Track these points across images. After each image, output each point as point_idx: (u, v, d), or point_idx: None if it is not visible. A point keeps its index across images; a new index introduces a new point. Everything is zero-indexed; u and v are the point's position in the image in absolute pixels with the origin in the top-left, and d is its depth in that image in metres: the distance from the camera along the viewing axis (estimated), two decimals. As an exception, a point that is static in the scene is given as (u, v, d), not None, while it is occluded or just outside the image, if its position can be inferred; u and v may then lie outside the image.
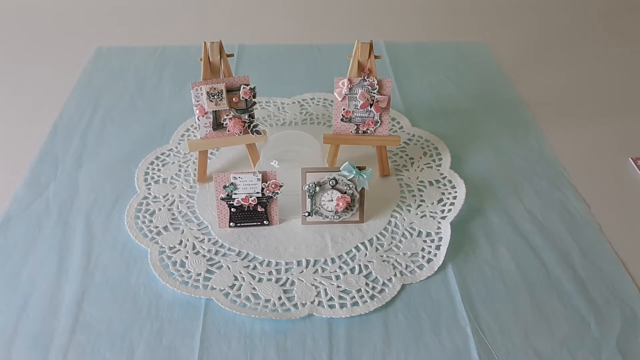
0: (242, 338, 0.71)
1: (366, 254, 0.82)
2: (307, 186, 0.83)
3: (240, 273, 0.79)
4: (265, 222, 0.86)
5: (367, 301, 0.75)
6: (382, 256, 0.82)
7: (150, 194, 0.93)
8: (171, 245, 0.83)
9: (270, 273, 0.79)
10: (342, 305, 0.75)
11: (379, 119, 0.91)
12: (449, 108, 1.18)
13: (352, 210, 0.86)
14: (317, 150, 0.92)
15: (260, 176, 0.82)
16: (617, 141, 1.09)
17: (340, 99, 0.90)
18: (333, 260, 0.81)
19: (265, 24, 1.55)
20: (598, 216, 0.91)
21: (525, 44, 1.45)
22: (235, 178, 0.82)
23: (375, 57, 0.88)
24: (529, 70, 1.33)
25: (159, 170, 0.98)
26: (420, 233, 0.86)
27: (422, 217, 0.89)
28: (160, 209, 0.90)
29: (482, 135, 1.09)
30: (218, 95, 0.87)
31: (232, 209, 0.85)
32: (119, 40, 1.43)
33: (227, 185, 0.83)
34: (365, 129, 0.92)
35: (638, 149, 1.06)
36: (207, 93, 0.86)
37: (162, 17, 1.57)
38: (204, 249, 0.83)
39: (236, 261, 0.81)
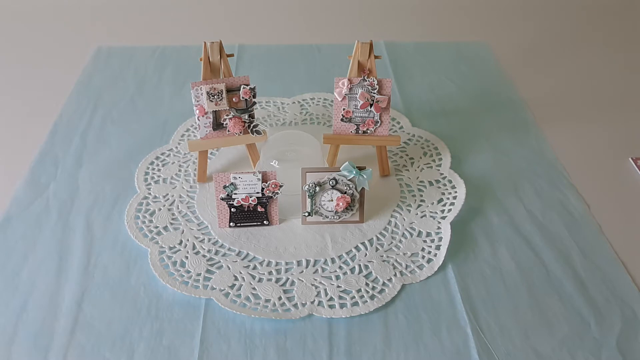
0: (242, 338, 0.71)
1: (366, 254, 0.82)
2: (307, 186, 0.83)
3: (240, 273, 0.79)
4: (265, 222, 0.86)
5: (367, 301, 0.75)
6: (382, 256, 0.82)
7: (150, 194, 0.93)
8: (171, 245, 0.83)
9: (270, 273, 0.79)
10: (342, 305, 0.75)
11: (379, 119, 0.91)
12: (449, 108, 1.18)
13: (352, 210, 0.86)
14: (317, 150, 0.92)
15: (260, 176, 0.82)
16: (617, 141, 1.09)
17: (340, 99, 0.90)
18: (333, 260, 0.81)
19: (265, 24, 1.55)
20: (598, 216, 0.91)
21: (525, 44, 1.45)
22: (235, 178, 0.82)
23: (375, 57, 0.88)
24: (529, 70, 1.33)
25: (159, 170, 0.98)
26: (420, 233, 0.86)
27: (422, 217, 0.89)
28: (160, 209, 0.90)
29: (482, 135, 1.09)
30: (218, 95, 0.87)
31: (232, 209, 0.85)
32: (119, 40, 1.43)
33: (227, 185, 0.83)
34: (365, 129, 0.92)
35: (638, 149, 1.06)
36: (207, 93, 0.86)
37: (162, 17, 1.57)
38: (204, 249, 0.83)
39: (236, 261, 0.81)
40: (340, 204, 0.83)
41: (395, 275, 0.79)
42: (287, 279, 0.79)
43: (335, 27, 1.54)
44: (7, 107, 1.16)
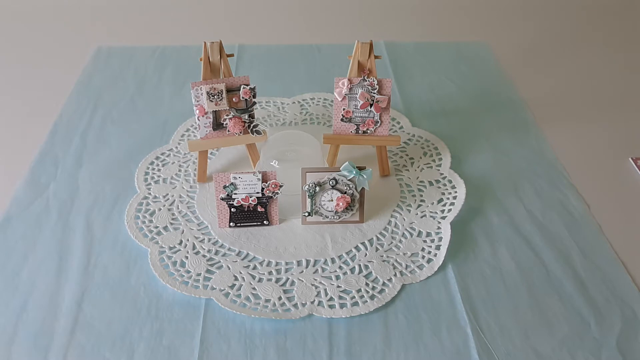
0: (242, 338, 0.71)
1: (366, 254, 0.82)
2: (307, 186, 0.83)
3: (240, 273, 0.79)
4: (265, 222, 0.86)
5: (367, 301, 0.75)
6: (382, 256, 0.82)
7: (150, 194, 0.93)
8: (171, 245, 0.83)
9: (270, 273, 0.79)
10: (342, 305, 0.75)
11: (379, 119, 0.91)
12: (449, 108, 1.18)
13: (352, 210, 0.86)
14: (317, 150, 0.92)
15: (260, 176, 0.82)
16: (617, 141, 1.09)
17: (340, 99, 0.90)
18: (333, 260, 0.81)
19: (265, 24, 1.55)
20: (598, 216, 0.91)
21: (525, 44, 1.45)
22: (235, 178, 0.83)
23: (375, 57, 0.88)
24: (529, 70, 1.33)
25: (159, 170, 0.98)
26: (420, 233, 0.86)
27: (422, 217, 0.89)
28: (160, 209, 0.90)
29: (482, 135, 1.09)
30: (218, 95, 0.87)
31: (232, 209, 0.85)
32: (119, 40, 1.43)
33: (227, 185, 0.83)
34: (365, 129, 0.92)
35: (638, 149, 1.06)
36: (207, 93, 0.86)
37: (162, 17, 1.57)
38: (204, 249, 0.83)
39: (236, 261, 0.81)
40: (340, 204, 0.83)
41: (395, 275, 0.79)
42: (287, 279, 0.79)
43: (335, 27, 1.54)
44: (7, 107, 1.16)
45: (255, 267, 0.80)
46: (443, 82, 1.27)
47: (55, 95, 1.19)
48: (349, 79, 0.88)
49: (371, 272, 0.80)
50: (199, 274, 0.79)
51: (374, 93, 0.89)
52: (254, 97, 0.89)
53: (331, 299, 0.76)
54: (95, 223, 0.87)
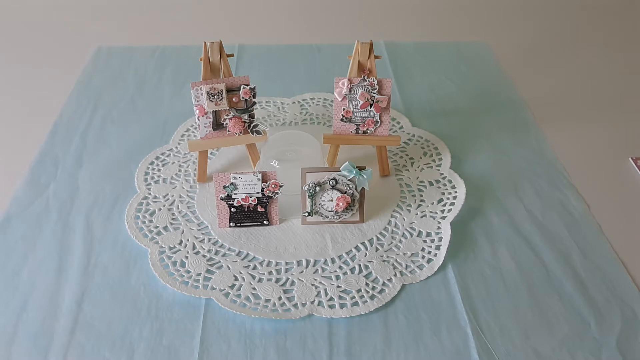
0: (242, 338, 0.71)
1: (366, 254, 0.82)
2: (307, 186, 0.83)
3: (240, 273, 0.79)
4: (265, 222, 0.86)
5: (367, 301, 0.75)
6: (382, 256, 0.82)
7: (150, 194, 0.93)
8: (171, 245, 0.83)
9: (270, 273, 0.79)
10: (342, 305, 0.75)
11: (379, 119, 0.91)
12: (449, 108, 1.18)
13: (352, 210, 0.86)
14: (317, 150, 0.92)
15: (260, 176, 0.82)
16: (617, 141, 1.09)
17: (340, 99, 0.90)
18: (333, 260, 0.81)
19: (265, 24, 1.55)
20: (598, 216, 0.91)
21: (525, 44, 1.45)
22: (235, 178, 0.83)
23: (375, 57, 0.88)
24: (529, 70, 1.33)
25: (159, 170, 0.98)
26: (420, 233, 0.86)
27: (422, 217, 0.89)
28: (160, 209, 0.90)
29: (482, 135, 1.09)
30: (218, 95, 0.87)
31: (232, 209, 0.85)
32: (119, 40, 1.43)
33: (227, 185, 0.83)
34: (365, 129, 0.92)
35: (638, 149, 1.06)
36: (207, 93, 0.86)
37: (162, 17, 1.57)
38: (204, 249, 0.83)
39: (236, 261, 0.81)
40: (340, 204, 0.83)
41: (395, 275, 0.79)
42: (287, 279, 0.79)
43: (335, 27, 1.54)
44: (7, 107, 1.16)
45: (255, 267, 0.80)
46: (443, 82, 1.27)
47: (55, 95, 1.19)
48: (349, 79, 0.88)
49: (371, 272, 0.80)
50: (199, 274, 0.79)
51: (374, 93, 0.89)
52: (254, 97, 0.89)
53: (331, 299, 0.76)
54: (95, 223, 0.87)
